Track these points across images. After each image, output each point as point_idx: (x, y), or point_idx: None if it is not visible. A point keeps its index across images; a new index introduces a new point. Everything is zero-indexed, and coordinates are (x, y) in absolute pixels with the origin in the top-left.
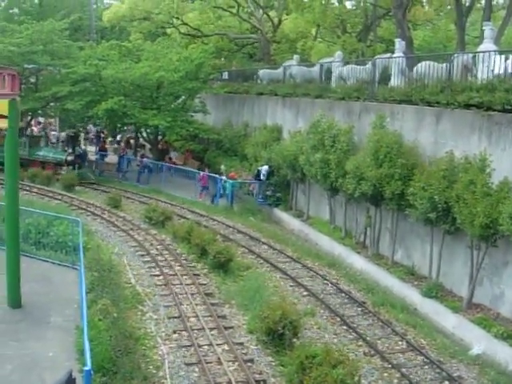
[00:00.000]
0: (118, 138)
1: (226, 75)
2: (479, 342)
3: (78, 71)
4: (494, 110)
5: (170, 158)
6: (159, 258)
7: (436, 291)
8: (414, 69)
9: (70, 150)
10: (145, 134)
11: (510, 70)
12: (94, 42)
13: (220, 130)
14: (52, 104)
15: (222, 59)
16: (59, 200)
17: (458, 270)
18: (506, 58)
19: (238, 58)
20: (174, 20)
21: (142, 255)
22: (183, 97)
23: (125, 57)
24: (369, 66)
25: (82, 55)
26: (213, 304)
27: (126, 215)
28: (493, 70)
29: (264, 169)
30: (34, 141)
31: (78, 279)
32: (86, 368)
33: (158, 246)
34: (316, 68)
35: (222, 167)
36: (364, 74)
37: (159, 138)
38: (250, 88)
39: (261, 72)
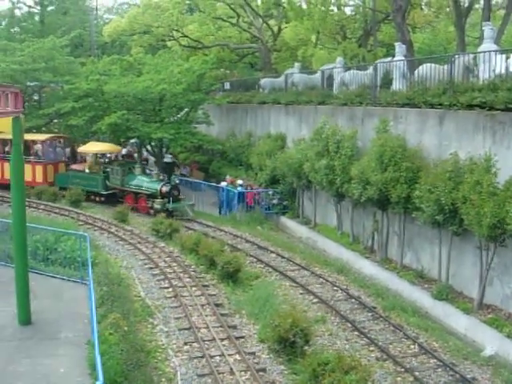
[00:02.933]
0: (124, 151)
1: (227, 85)
2: (492, 342)
3: (80, 87)
4: (497, 110)
5: (183, 175)
6: (168, 270)
7: (446, 293)
8: (416, 72)
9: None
10: (149, 148)
11: (511, 69)
12: (95, 57)
13: (224, 140)
14: (55, 121)
15: (222, 70)
16: (66, 216)
17: (468, 271)
18: (507, 58)
19: (239, 68)
20: (174, 32)
21: (151, 268)
22: (186, 109)
23: (126, 71)
24: (370, 70)
25: (84, 71)
26: (223, 314)
27: (134, 229)
28: (494, 70)
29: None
30: (128, 167)
31: (87, 294)
32: (98, 382)
33: (167, 259)
34: (317, 75)
35: (227, 178)
36: (366, 78)
37: (163, 150)
38: (252, 97)
39: (262, 81)
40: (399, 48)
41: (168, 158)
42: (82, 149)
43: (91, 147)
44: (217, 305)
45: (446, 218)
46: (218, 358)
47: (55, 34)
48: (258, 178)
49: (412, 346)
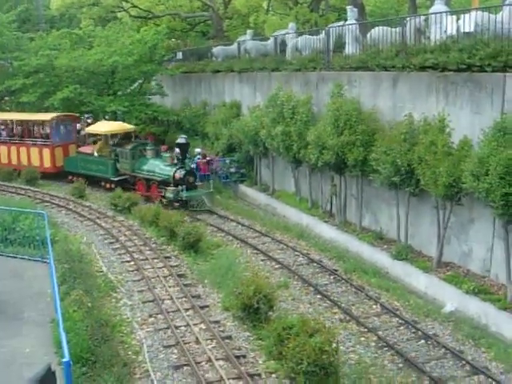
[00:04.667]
0: (78, 126)
1: (180, 55)
2: (451, 299)
3: (30, 63)
4: (450, 70)
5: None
6: (128, 243)
7: (406, 253)
8: (368, 35)
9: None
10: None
11: (462, 30)
12: (44, 32)
13: (179, 110)
14: (7, 98)
15: (173, 39)
16: (22, 195)
17: (426, 231)
18: (458, 18)
19: (191, 37)
20: (124, 3)
21: (111, 242)
22: (139, 80)
23: (77, 44)
24: (322, 35)
25: (33, 46)
26: (186, 285)
27: (92, 204)
28: (445, 31)
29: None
30: (139, 150)
31: (48, 272)
32: (65, 360)
33: (127, 232)
34: (270, 41)
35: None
36: (318, 43)
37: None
38: (205, 66)
39: (215, 49)
40: (351, 12)
41: (182, 139)
42: (90, 128)
43: (100, 127)
44: (179, 275)
45: (402, 179)
46: (183, 328)
47: (1, 9)
48: (214, 147)
49: (374, 306)
